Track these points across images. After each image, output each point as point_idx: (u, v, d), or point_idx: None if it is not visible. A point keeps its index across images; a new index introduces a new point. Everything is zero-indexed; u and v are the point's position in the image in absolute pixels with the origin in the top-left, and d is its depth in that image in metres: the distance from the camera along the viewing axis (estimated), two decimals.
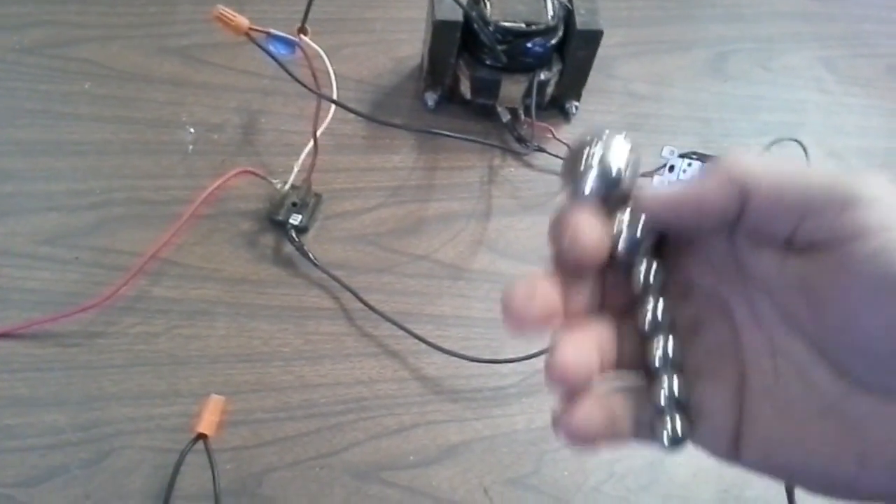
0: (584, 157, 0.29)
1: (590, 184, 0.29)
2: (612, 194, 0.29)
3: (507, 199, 0.68)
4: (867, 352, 0.26)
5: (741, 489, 0.56)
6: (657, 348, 0.29)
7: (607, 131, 0.29)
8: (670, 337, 0.29)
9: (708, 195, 0.28)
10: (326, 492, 0.53)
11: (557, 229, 0.29)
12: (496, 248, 0.66)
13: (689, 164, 0.68)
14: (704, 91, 0.79)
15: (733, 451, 0.29)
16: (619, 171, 0.29)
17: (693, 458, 0.56)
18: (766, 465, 0.29)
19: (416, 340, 0.59)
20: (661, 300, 0.29)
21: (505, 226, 0.67)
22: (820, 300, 0.27)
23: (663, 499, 0.55)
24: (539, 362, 0.59)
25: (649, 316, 0.29)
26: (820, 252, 0.26)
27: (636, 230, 0.29)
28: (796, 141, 0.73)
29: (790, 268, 0.28)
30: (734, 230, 0.29)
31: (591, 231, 0.28)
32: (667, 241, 0.30)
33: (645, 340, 0.29)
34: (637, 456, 0.57)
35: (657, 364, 0.29)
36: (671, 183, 0.29)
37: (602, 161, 0.29)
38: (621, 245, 0.29)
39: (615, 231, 0.29)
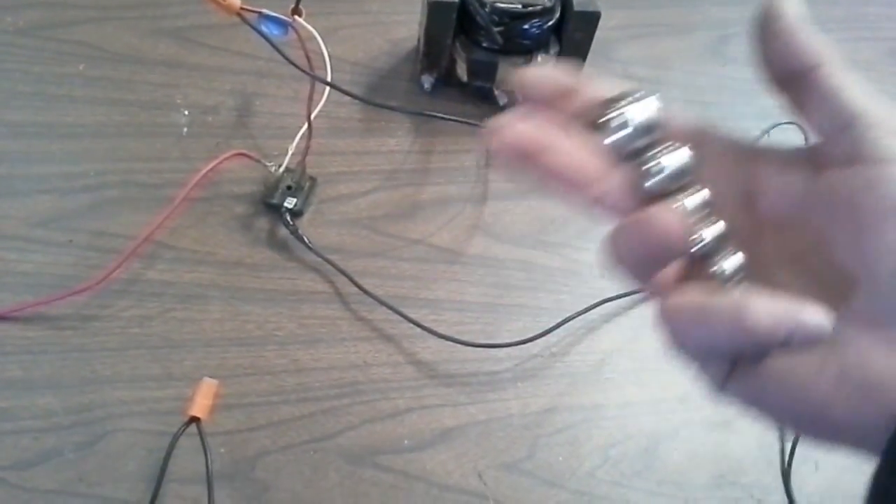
0: (613, 109, 0.29)
1: (615, 135, 0.29)
2: (636, 147, 0.29)
3: (503, 183, 0.68)
4: (870, 272, 0.26)
5: (736, 475, 0.56)
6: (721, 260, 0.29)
7: (642, 91, 0.29)
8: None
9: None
10: (320, 476, 0.53)
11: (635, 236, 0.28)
12: (492, 233, 0.65)
13: None
14: (704, 75, 0.79)
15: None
16: (644, 125, 0.28)
17: (687, 443, 0.57)
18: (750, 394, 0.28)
19: (411, 325, 0.59)
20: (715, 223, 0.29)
21: (501, 209, 0.67)
22: (844, 215, 0.27)
23: (657, 484, 0.55)
24: (534, 347, 0.59)
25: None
26: (848, 169, 0.27)
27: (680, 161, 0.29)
28: (796, 124, 0.73)
29: (815, 185, 0.28)
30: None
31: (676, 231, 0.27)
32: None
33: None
34: (631, 441, 0.56)
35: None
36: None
37: (629, 114, 0.28)
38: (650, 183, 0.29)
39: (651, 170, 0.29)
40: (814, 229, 0.28)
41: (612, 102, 0.29)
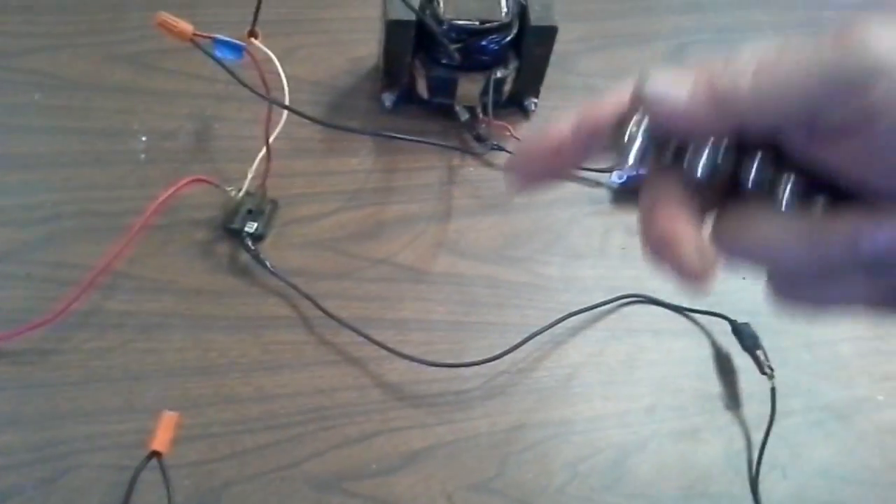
0: (629, 126, 0.28)
1: (635, 154, 0.28)
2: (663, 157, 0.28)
3: (467, 200, 0.68)
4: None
5: (705, 485, 0.56)
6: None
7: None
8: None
9: (711, 130, 0.26)
10: None
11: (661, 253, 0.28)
12: (457, 250, 0.65)
13: None
14: None
15: None
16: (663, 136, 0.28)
17: (656, 455, 0.57)
18: None
19: (377, 347, 0.58)
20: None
21: (465, 226, 0.66)
22: (862, 172, 0.26)
23: (627, 498, 0.55)
24: (501, 364, 0.59)
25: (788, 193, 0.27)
26: (840, 138, 0.25)
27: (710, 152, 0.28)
28: None
29: (827, 157, 0.27)
30: None
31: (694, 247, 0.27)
32: None
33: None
34: (601, 455, 0.56)
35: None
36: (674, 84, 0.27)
37: (647, 130, 0.27)
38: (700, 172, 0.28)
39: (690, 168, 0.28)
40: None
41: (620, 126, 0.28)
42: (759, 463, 0.57)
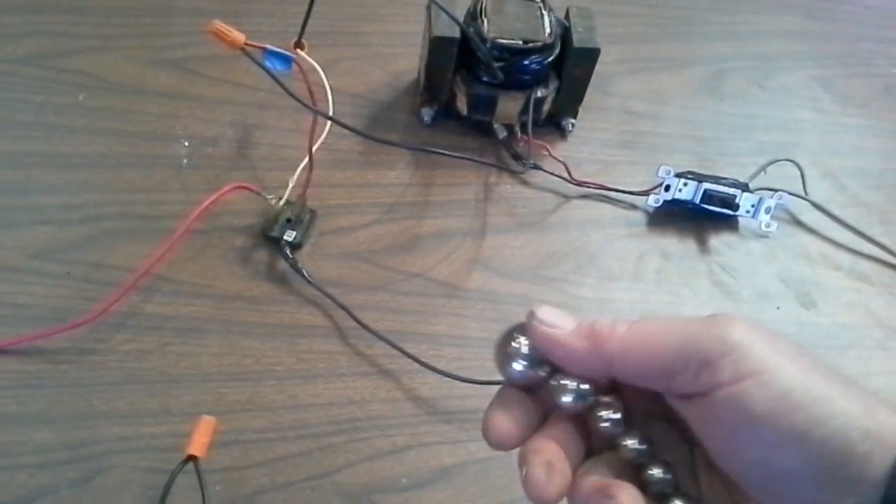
0: (511, 344, 0.33)
1: (517, 368, 0.33)
2: (539, 374, 0.33)
3: (502, 217, 0.68)
4: (752, 481, 0.30)
5: None
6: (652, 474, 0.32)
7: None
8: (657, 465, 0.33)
9: (577, 352, 0.31)
10: None
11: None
12: (491, 266, 0.65)
13: (685, 184, 0.68)
14: (701, 109, 0.79)
15: None
16: (543, 357, 0.33)
17: None
18: None
19: (410, 360, 0.59)
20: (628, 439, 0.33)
21: (500, 244, 0.67)
22: (706, 440, 0.31)
23: None
24: None
25: (630, 451, 0.33)
26: (693, 401, 0.30)
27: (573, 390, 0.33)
28: (792, 161, 0.73)
29: (682, 411, 0.31)
30: None
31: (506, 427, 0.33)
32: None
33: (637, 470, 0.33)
34: None
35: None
36: (561, 317, 0.33)
37: (529, 350, 0.33)
38: (565, 403, 0.33)
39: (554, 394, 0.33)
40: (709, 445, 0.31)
41: (514, 333, 0.34)
42: None
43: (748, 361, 0.28)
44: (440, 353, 0.60)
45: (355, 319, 0.60)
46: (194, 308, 0.59)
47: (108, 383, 0.56)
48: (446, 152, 0.69)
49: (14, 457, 0.52)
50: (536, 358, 0.33)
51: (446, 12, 0.63)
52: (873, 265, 0.70)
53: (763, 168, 0.73)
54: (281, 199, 0.63)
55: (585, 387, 0.32)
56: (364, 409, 0.57)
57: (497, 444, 0.33)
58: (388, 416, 0.57)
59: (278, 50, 0.56)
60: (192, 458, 0.50)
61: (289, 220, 0.63)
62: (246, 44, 0.54)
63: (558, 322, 0.32)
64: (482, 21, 0.66)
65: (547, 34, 0.66)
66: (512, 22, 0.66)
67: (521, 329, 0.33)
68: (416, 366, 0.59)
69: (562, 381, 0.32)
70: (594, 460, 0.33)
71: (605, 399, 0.33)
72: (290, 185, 0.63)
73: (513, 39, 0.65)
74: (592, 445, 0.34)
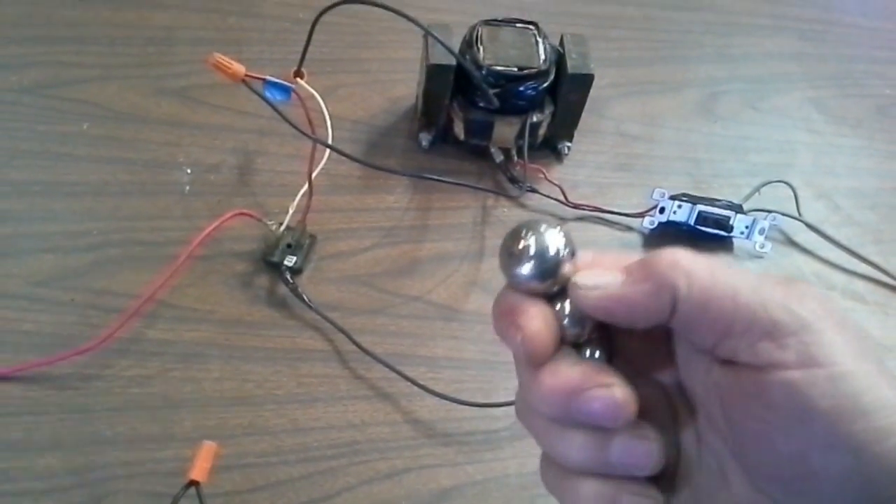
0: (521, 244, 0.30)
1: (526, 270, 0.29)
2: (548, 281, 0.30)
3: (499, 240, 0.68)
4: (774, 473, 0.27)
5: None
6: None
7: (543, 224, 0.30)
8: None
9: (639, 300, 0.28)
10: None
11: (505, 326, 0.30)
12: (489, 289, 0.66)
13: (679, 206, 0.68)
14: (695, 132, 0.80)
15: None
16: (553, 258, 0.29)
17: None
18: None
19: (409, 383, 0.60)
20: None
21: (498, 267, 0.67)
22: (736, 416, 0.28)
23: None
24: None
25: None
26: (740, 370, 0.27)
27: (576, 321, 0.30)
28: (785, 183, 0.74)
29: (713, 376, 0.29)
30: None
31: (542, 328, 0.29)
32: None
33: None
34: None
35: None
36: (604, 275, 0.29)
37: (538, 248, 0.29)
38: (564, 334, 0.30)
39: (558, 318, 0.30)
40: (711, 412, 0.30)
41: (520, 232, 0.30)
42: None
43: (819, 348, 0.25)
44: (439, 375, 0.61)
45: (355, 343, 0.61)
46: (196, 333, 0.60)
47: (111, 409, 0.56)
48: (444, 179, 0.70)
49: (19, 482, 0.53)
50: (546, 267, 0.29)
51: (442, 43, 0.64)
52: (867, 284, 0.71)
53: (757, 189, 0.74)
54: (281, 224, 0.64)
55: (587, 317, 0.30)
56: (363, 433, 0.58)
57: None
58: (387, 438, 0.58)
59: (278, 81, 0.57)
60: (194, 482, 0.50)
61: (289, 246, 0.64)
62: (246, 75, 0.55)
63: (604, 280, 0.29)
64: (478, 49, 0.67)
65: (541, 61, 0.67)
66: (507, 49, 0.67)
67: (529, 226, 0.30)
68: (415, 388, 0.59)
69: (567, 309, 0.30)
70: None
71: (597, 335, 0.31)
72: (291, 211, 0.64)
73: (508, 66, 0.67)
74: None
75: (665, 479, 0.31)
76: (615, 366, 0.30)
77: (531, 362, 0.29)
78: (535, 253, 0.29)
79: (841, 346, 0.26)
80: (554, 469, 0.31)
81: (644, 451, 0.29)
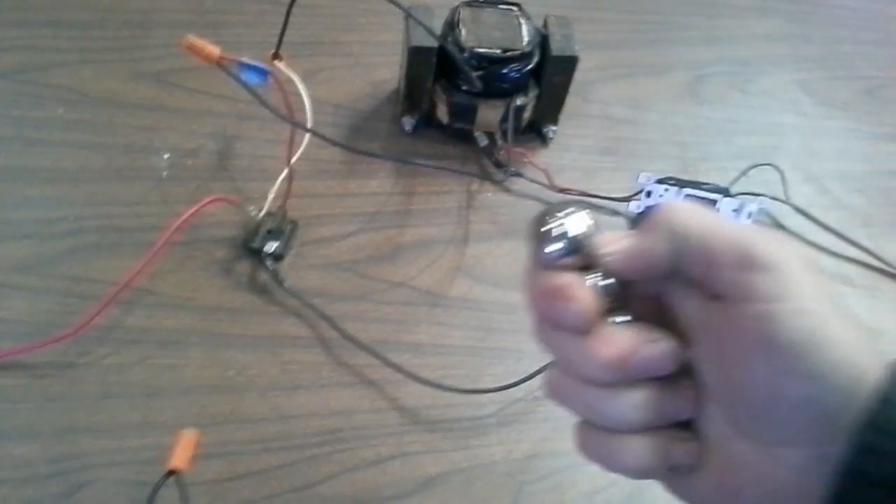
0: (551, 224, 0.32)
1: (555, 248, 0.31)
2: (574, 260, 0.32)
3: (484, 225, 0.68)
4: (744, 396, 0.30)
5: None
6: None
7: (571, 207, 0.32)
8: None
9: (652, 248, 0.31)
10: None
11: (551, 302, 0.32)
12: (474, 275, 0.65)
13: (666, 190, 0.68)
14: (681, 114, 0.79)
15: None
16: (581, 238, 0.31)
17: None
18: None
19: (394, 369, 0.59)
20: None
21: (483, 252, 0.67)
22: (717, 344, 0.31)
23: None
24: (517, 391, 0.59)
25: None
26: (722, 303, 0.30)
27: (603, 290, 0.32)
28: (773, 166, 0.73)
29: (704, 312, 0.32)
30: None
31: (590, 298, 0.31)
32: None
33: None
34: (616, 487, 0.56)
35: None
36: (621, 235, 0.33)
37: (567, 228, 0.31)
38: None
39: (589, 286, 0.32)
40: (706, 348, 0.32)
41: (548, 215, 0.32)
42: None
43: (790, 284, 0.29)
44: (424, 361, 0.60)
45: (338, 329, 0.60)
46: (175, 321, 0.59)
47: (89, 397, 0.55)
48: (427, 163, 0.69)
49: None
50: (576, 242, 0.31)
51: (423, 25, 0.63)
52: (856, 268, 0.71)
53: (744, 172, 0.73)
54: (261, 210, 0.63)
55: (612, 282, 0.32)
56: (348, 420, 0.57)
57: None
58: (371, 426, 0.57)
59: (254, 63, 0.56)
60: (174, 471, 0.49)
61: (270, 232, 0.63)
62: (221, 57, 0.54)
63: (623, 242, 0.32)
64: (460, 30, 0.66)
65: (525, 43, 0.66)
66: (490, 31, 0.66)
67: (554, 209, 0.32)
68: (400, 375, 0.58)
69: (599, 281, 0.32)
70: None
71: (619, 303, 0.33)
72: (271, 197, 0.63)
73: (491, 48, 0.66)
74: None
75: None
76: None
77: (583, 330, 0.31)
78: (564, 232, 0.31)
79: (806, 286, 0.29)
80: (598, 435, 0.33)
81: (665, 349, 0.32)
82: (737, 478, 0.31)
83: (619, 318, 0.33)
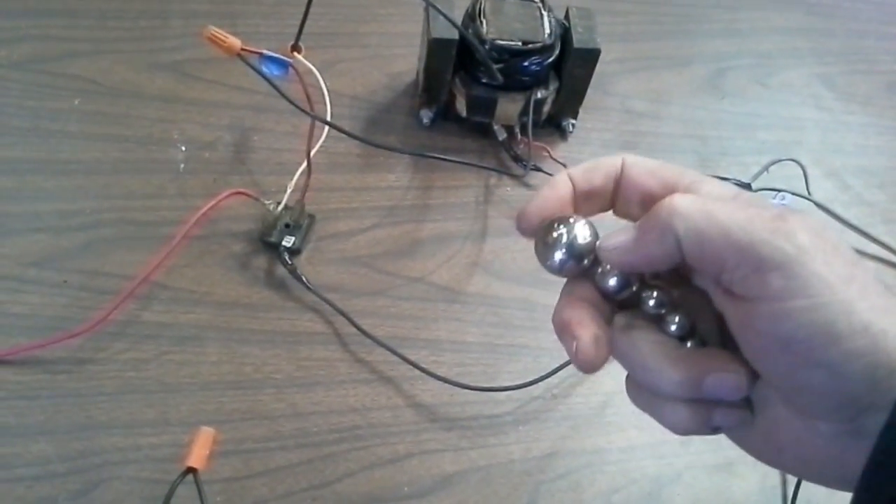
0: (554, 236, 0.33)
1: (560, 259, 0.33)
2: (580, 266, 0.33)
3: (503, 220, 0.68)
4: (772, 384, 0.31)
5: None
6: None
7: (572, 218, 0.33)
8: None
9: (649, 247, 0.31)
10: None
11: (559, 333, 0.33)
12: (492, 270, 0.65)
13: None
14: (702, 108, 0.78)
15: None
16: (584, 245, 0.33)
17: (690, 487, 0.56)
18: None
19: (411, 366, 0.58)
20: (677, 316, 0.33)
21: (501, 247, 0.66)
22: (740, 335, 0.31)
23: None
24: (535, 389, 0.59)
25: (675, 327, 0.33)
26: (737, 300, 0.30)
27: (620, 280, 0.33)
28: (795, 161, 0.73)
29: (724, 305, 0.32)
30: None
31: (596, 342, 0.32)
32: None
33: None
34: (634, 486, 0.56)
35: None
36: (620, 234, 0.32)
37: (570, 240, 0.33)
38: (618, 296, 0.33)
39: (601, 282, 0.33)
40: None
41: (555, 224, 0.33)
42: (794, 499, 0.56)
43: (799, 280, 0.28)
44: (441, 359, 0.59)
45: (355, 325, 0.59)
46: (192, 316, 0.59)
47: (106, 393, 0.55)
48: (445, 157, 0.68)
49: (12, 469, 0.52)
50: (578, 249, 0.33)
51: (444, 15, 0.62)
52: (877, 265, 0.70)
53: (766, 168, 0.72)
54: (279, 203, 0.62)
55: (623, 280, 0.33)
56: (365, 417, 0.56)
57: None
58: (388, 423, 0.56)
59: (274, 55, 0.55)
60: (191, 469, 0.49)
61: (287, 226, 0.62)
62: (242, 49, 0.53)
63: (621, 238, 0.32)
64: (481, 22, 0.65)
65: (546, 35, 0.65)
66: (511, 23, 0.65)
67: (561, 220, 0.33)
68: (417, 372, 0.58)
69: (609, 274, 0.33)
70: (628, 314, 0.34)
71: (651, 283, 0.33)
72: (289, 190, 0.62)
73: (512, 40, 0.65)
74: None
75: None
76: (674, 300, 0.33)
77: (590, 370, 0.33)
78: (568, 241, 0.33)
79: (824, 276, 0.28)
80: (646, 394, 0.33)
81: (734, 382, 0.31)
82: (780, 438, 0.32)
83: (651, 304, 0.33)
